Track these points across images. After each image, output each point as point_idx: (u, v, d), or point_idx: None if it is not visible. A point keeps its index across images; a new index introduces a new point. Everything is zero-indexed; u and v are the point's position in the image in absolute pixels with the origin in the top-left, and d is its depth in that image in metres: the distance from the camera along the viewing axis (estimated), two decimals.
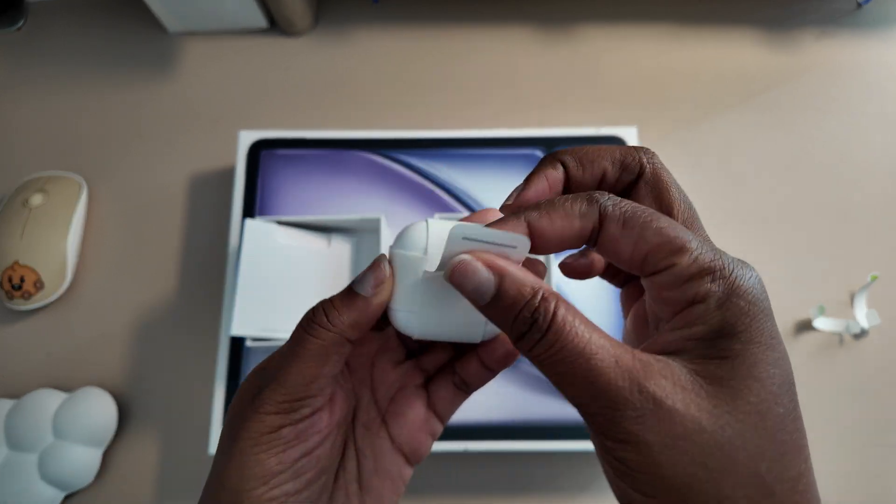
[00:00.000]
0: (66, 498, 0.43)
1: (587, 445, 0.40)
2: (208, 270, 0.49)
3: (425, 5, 0.57)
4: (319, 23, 0.57)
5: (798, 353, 0.46)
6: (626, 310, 0.22)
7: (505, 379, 0.42)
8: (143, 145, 0.53)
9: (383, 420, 0.23)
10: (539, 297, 0.16)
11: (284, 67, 0.55)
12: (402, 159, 0.48)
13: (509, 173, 0.48)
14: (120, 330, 0.48)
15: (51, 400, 0.43)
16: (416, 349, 0.24)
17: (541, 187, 0.20)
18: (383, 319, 0.20)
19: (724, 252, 0.17)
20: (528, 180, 0.20)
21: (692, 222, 0.19)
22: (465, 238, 0.17)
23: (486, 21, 0.57)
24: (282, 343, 0.20)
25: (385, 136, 0.48)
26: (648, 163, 0.20)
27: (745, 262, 0.17)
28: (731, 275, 0.16)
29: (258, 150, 0.48)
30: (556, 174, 0.20)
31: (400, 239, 0.20)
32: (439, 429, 0.23)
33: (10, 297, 0.46)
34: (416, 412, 0.22)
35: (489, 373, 0.22)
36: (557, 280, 0.43)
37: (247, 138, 0.48)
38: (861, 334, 0.46)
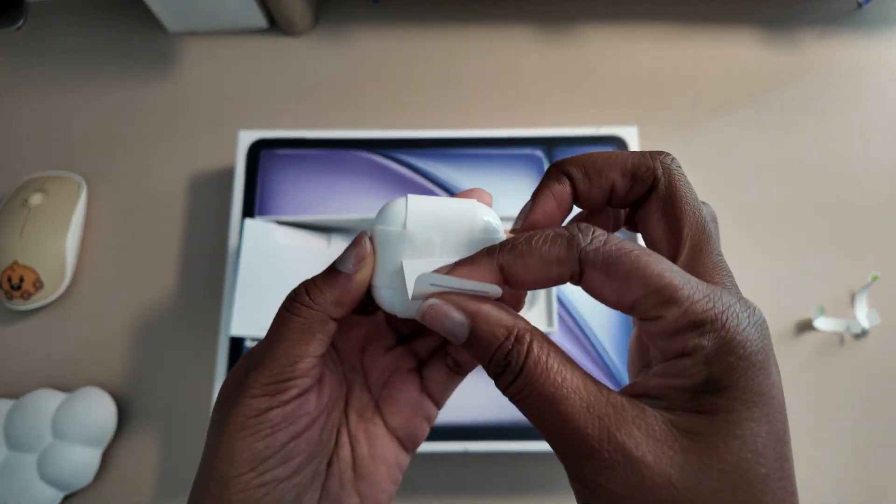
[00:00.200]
0: (66, 498, 0.43)
1: None
2: (208, 270, 0.48)
3: (425, 5, 0.57)
4: (319, 23, 0.57)
5: (798, 353, 0.46)
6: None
7: None
8: (143, 145, 0.53)
9: (377, 406, 0.22)
10: (513, 337, 0.16)
11: (284, 67, 0.55)
12: (402, 159, 0.48)
13: (509, 173, 0.48)
14: (119, 330, 0.47)
15: (50, 400, 0.43)
16: (407, 335, 0.23)
17: (548, 207, 0.19)
18: (370, 303, 0.20)
19: (723, 292, 0.15)
20: (534, 198, 0.19)
21: (701, 247, 0.17)
22: (432, 284, 0.17)
23: (486, 21, 0.56)
24: None
25: (385, 136, 0.48)
26: (664, 173, 0.18)
27: (747, 303, 0.15)
28: (723, 326, 0.14)
29: (258, 150, 0.48)
30: (562, 189, 0.19)
31: (380, 215, 0.20)
32: (435, 413, 0.23)
33: (10, 297, 0.46)
34: (409, 396, 0.22)
35: None
36: None
37: (246, 138, 0.48)
38: (861, 334, 0.46)
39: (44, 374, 0.46)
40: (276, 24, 0.56)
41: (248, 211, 0.46)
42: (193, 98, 0.54)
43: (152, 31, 0.56)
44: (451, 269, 0.17)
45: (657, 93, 0.54)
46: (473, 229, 0.19)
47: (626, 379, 0.42)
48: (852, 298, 0.47)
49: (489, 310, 0.16)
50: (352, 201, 0.47)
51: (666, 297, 0.15)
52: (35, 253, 0.46)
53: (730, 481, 0.14)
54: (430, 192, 0.47)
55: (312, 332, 0.18)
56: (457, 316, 0.16)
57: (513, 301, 0.19)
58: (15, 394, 0.44)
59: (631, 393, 0.16)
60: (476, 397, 0.41)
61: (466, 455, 0.42)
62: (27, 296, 0.46)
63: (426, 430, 0.23)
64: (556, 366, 0.15)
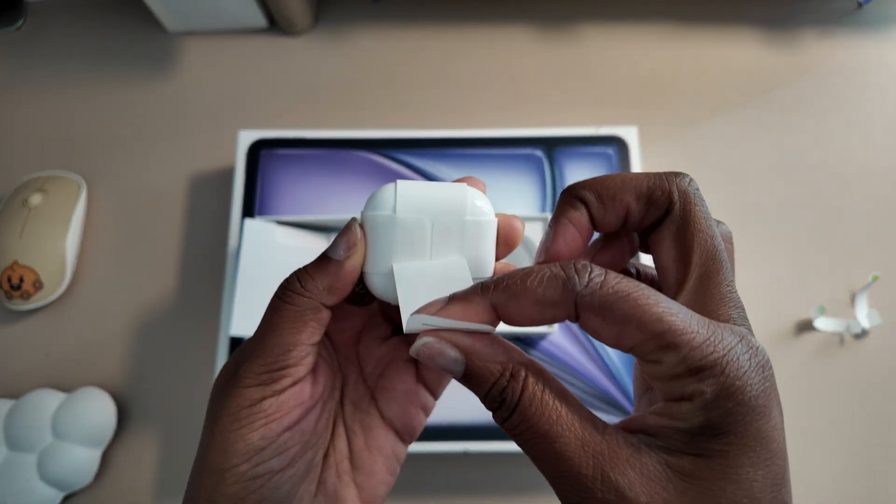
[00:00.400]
0: (66, 498, 0.43)
1: None
2: (208, 270, 0.48)
3: (425, 5, 0.57)
4: (319, 23, 0.57)
5: (798, 353, 0.46)
6: None
7: None
8: (143, 145, 0.53)
9: (372, 397, 0.22)
10: (508, 374, 0.16)
11: (284, 67, 0.55)
12: (402, 159, 0.48)
13: (509, 173, 0.48)
14: (119, 330, 0.47)
15: (50, 400, 0.43)
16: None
17: (569, 236, 0.18)
18: (364, 293, 0.20)
19: (725, 333, 0.15)
20: (553, 228, 0.18)
21: (710, 276, 0.17)
22: (425, 324, 0.17)
23: (486, 21, 0.56)
24: None
25: (385, 136, 0.48)
26: (679, 197, 0.17)
27: (750, 343, 0.15)
28: (722, 372, 0.14)
29: (258, 150, 0.48)
30: (579, 216, 0.18)
31: (370, 201, 0.19)
32: (431, 403, 0.23)
33: (9, 297, 0.46)
34: (405, 386, 0.22)
35: None
36: None
37: (246, 138, 0.48)
38: (862, 334, 0.46)
39: (43, 374, 0.46)
40: (276, 24, 0.56)
41: (248, 211, 0.46)
42: (193, 98, 0.54)
43: (152, 31, 0.56)
44: (443, 307, 0.17)
45: (657, 93, 0.54)
46: (464, 212, 0.19)
47: (625, 379, 0.42)
48: (852, 298, 0.47)
49: (483, 347, 0.16)
50: (352, 201, 0.47)
51: (665, 342, 0.14)
52: (35, 253, 0.46)
53: None
54: None
55: (305, 320, 0.18)
56: (451, 353, 0.16)
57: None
58: (15, 394, 0.44)
59: (629, 428, 0.16)
60: (476, 397, 0.41)
61: (466, 455, 0.42)
62: (27, 296, 0.46)
63: (423, 421, 0.23)
64: (551, 402, 0.15)
